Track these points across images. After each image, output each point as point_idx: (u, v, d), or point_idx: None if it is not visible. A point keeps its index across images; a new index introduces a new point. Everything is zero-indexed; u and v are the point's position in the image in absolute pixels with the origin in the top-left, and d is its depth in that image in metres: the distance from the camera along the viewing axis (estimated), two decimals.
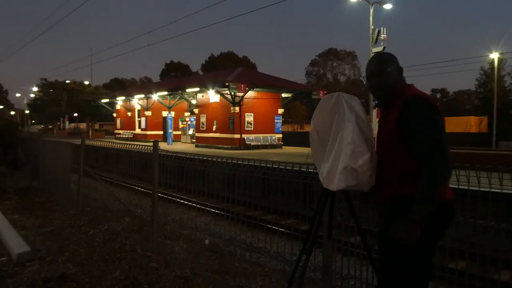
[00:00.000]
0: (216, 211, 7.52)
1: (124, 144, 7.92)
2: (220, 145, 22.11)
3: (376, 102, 2.27)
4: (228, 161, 5.76)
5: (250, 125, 22.26)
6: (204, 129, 23.87)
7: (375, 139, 2.20)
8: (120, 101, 32.94)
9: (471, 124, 27.22)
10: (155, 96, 26.43)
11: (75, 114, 55.92)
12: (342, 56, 60.82)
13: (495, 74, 28.28)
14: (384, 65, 2.16)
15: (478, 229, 4.37)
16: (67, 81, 58.96)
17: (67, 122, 56.39)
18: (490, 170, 3.68)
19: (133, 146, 6.92)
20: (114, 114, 35.59)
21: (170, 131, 25.77)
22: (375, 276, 2.45)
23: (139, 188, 9.02)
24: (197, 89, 22.65)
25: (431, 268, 2.07)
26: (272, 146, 22.85)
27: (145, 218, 5.93)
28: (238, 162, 5.44)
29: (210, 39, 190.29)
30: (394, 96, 2.10)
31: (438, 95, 64.26)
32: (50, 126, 57.63)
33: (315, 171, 2.44)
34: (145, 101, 29.17)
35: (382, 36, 19.45)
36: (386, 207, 2.08)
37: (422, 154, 1.87)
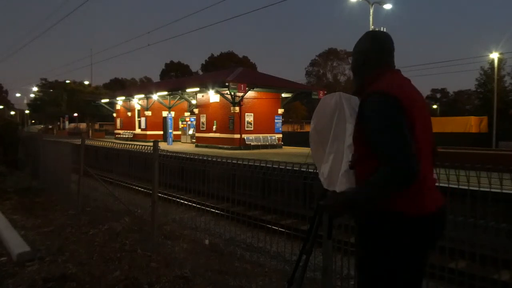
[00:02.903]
0: (216, 211, 7.52)
1: (124, 144, 7.93)
2: (220, 145, 22.11)
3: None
4: (228, 161, 5.76)
5: (250, 125, 22.27)
6: (204, 129, 23.87)
7: None
8: (120, 101, 32.95)
9: (471, 124, 27.23)
10: (155, 96, 26.44)
11: (75, 114, 55.92)
12: (342, 56, 60.77)
13: (495, 74, 28.29)
14: (357, 44, 1.92)
15: (478, 229, 4.37)
16: (67, 81, 58.99)
17: (67, 122, 56.40)
18: (490, 170, 3.68)
19: (133, 146, 6.92)
20: (114, 114, 35.59)
21: (170, 131, 25.77)
22: None
23: (139, 188, 9.04)
24: (197, 89, 22.66)
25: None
26: (272, 146, 22.85)
27: (145, 218, 5.93)
28: (238, 162, 5.45)
29: (210, 39, 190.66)
30: (360, 86, 1.88)
31: (438, 95, 64.35)
32: (50, 126, 57.62)
33: (315, 171, 2.44)
34: (145, 101, 29.17)
35: None
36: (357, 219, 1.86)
37: (381, 159, 1.63)
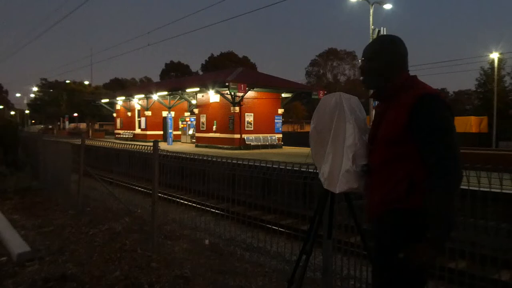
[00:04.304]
0: (216, 211, 7.52)
1: (124, 144, 7.93)
2: (220, 145, 22.11)
3: (372, 92, 2.06)
4: (228, 161, 5.76)
5: (250, 125, 22.26)
6: (204, 129, 23.87)
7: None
8: (120, 101, 32.94)
9: (471, 124, 27.20)
10: (155, 96, 26.43)
11: (75, 114, 55.93)
12: (342, 56, 60.79)
13: (495, 74, 28.30)
14: (379, 47, 1.94)
15: (478, 229, 4.37)
16: (67, 81, 59.03)
17: (67, 122, 56.42)
18: (490, 170, 3.68)
19: (133, 146, 6.92)
20: (114, 114, 35.59)
21: (170, 131, 25.77)
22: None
23: (139, 188, 9.03)
24: (197, 89, 22.65)
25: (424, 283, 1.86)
26: (272, 146, 22.84)
27: (145, 218, 5.93)
28: (238, 162, 5.44)
29: (210, 39, 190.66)
30: (393, 88, 1.88)
31: None
32: (50, 126, 57.67)
33: (315, 171, 2.44)
34: (145, 101, 29.16)
35: None
36: (387, 220, 1.83)
37: (436, 162, 1.66)
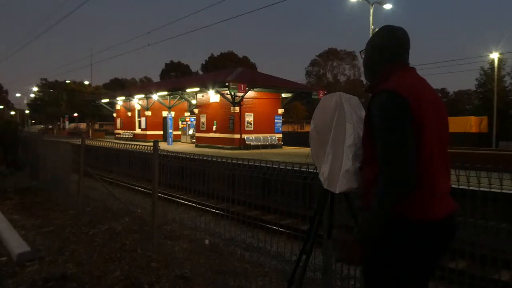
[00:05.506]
0: (216, 211, 7.51)
1: (124, 144, 7.92)
2: (220, 145, 22.11)
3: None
4: (228, 161, 5.76)
5: (250, 125, 22.27)
6: (204, 129, 23.87)
7: None
8: (120, 101, 32.95)
9: (471, 124, 27.20)
10: (155, 96, 26.44)
11: (75, 114, 55.93)
12: (342, 56, 60.78)
13: (495, 74, 28.30)
14: (373, 38, 1.86)
15: (478, 229, 4.37)
16: (67, 81, 59.03)
17: (67, 122, 56.41)
18: (490, 170, 3.69)
19: (133, 146, 6.92)
20: (114, 114, 35.60)
21: (170, 131, 25.77)
22: None
23: (139, 188, 9.03)
24: (197, 89, 22.65)
25: None
26: (272, 146, 22.85)
27: (145, 218, 5.93)
28: (238, 162, 5.44)
29: (210, 39, 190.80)
30: (377, 83, 1.77)
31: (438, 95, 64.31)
32: (50, 126, 57.68)
33: (315, 171, 2.44)
34: (145, 101, 29.17)
35: None
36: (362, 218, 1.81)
37: (380, 163, 1.56)
